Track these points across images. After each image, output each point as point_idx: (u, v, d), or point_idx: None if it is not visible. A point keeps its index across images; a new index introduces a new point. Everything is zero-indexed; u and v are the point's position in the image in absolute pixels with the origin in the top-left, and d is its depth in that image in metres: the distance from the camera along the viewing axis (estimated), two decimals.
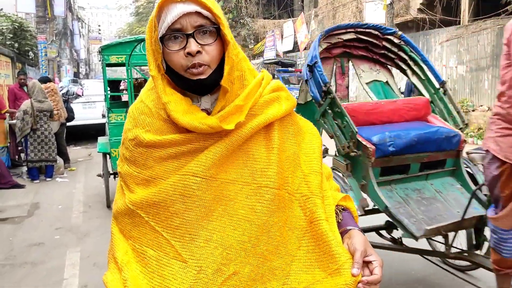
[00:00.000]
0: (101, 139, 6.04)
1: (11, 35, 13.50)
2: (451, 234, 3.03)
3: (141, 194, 1.06)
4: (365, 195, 2.83)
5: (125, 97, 7.83)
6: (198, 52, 1.00)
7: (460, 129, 3.03)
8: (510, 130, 2.25)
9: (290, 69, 17.12)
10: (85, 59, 51.05)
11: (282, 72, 16.34)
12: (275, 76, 14.97)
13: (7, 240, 4.65)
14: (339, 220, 1.13)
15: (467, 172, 3.01)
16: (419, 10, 13.04)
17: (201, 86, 1.04)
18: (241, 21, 22.35)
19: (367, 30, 3.44)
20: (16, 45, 13.68)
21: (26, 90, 7.92)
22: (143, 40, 5.19)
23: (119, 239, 1.11)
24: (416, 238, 2.54)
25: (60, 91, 8.93)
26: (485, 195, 2.77)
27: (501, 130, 2.30)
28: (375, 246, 2.77)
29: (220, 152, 1.03)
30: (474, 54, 10.99)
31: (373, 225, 3.28)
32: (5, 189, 6.67)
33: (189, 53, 0.99)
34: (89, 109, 11.96)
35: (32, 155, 7.13)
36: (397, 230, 2.83)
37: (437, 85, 3.31)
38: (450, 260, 3.41)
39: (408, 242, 3.00)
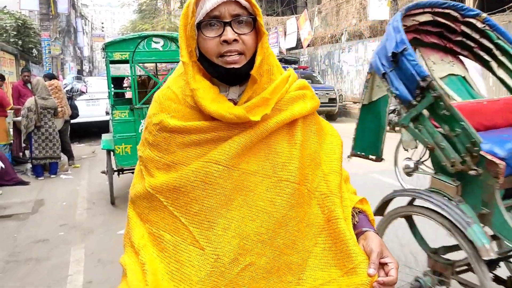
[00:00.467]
0: (105, 136, 6.05)
1: (15, 33, 13.54)
2: None
3: (161, 178, 1.07)
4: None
5: (128, 94, 7.85)
6: (235, 40, 1.00)
7: None
8: None
9: (293, 66, 17.10)
10: (89, 56, 51.11)
11: (285, 69, 16.31)
12: None
13: (11, 236, 4.67)
14: (355, 222, 1.13)
15: None
16: None
17: (233, 75, 1.04)
18: None
19: (446, 11, 2.79)
20: (20, 42, 13.72)
21: (30, 87, 7.94)
22: (146, 37, 5.18)
23: (135, 223, 1.12)
24: None
25: (64, 88, 8.94)
26: None
27: None
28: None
29: (244, 142, 1.04)
30: None
31: None
32: (10, 186, 6.69)
33: (225, 41, 0.99)
34: (93, 107, 11.99)
35: (37, 152, 7.15)
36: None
37: None
38: None
39: None
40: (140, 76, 6.75)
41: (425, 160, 2.75)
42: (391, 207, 2.65)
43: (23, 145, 8.29)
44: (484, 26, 2.80)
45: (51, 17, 16.06)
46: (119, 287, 1.08)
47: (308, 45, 17.99)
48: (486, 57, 2.81)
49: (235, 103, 1.07)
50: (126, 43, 5.16)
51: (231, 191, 1.03)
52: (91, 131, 11.69)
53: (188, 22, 1.03)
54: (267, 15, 22.65)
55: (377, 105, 2.67)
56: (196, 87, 1.03)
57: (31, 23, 15.14)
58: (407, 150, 3.04)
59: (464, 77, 2.96)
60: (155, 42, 5.21)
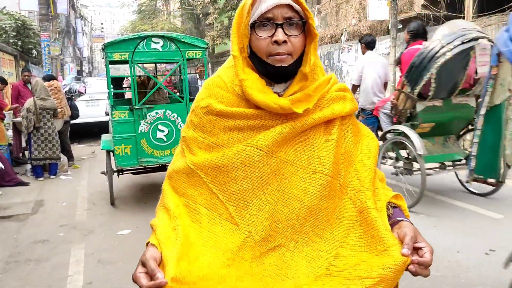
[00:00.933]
0: (104, 137, 6.05)
1: (14, 33, 13.52)
2: None
3: (203, 157, 1.14)
4: None
5: (128, 95, 7.84)
6: (284, 41, 1.07)
7: None
8: None
9: None
10: (88, 57, 51.09)
11: None
12: None
13: (11, 237, 4.67)
14: (390, 214, 1.15)
15: None
16: (423, 6, 12.97)
17: (279, 73, 1.11)
18: None
19: None
20: (19, 43, 13.71)
21: (30, 88, 7.94)
22: (146, 37, 5.18)
23: (170, 194, 1.18)
24: None
25: (64, 88, 8.93)
26: None
27: None
28: None
29: (284, 133, 1.10)
30: None
31: None
32: (10, 186, 6.69)
33: (275, 42, 1.07)
34: (93, 107, 11.99)
35: (36, 153, 7.15)
36: None
37: None
38: None
39: None
40: (139, 76, 6.75)
41: None
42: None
43: (23, 145, 8.29)
44: None
45: (50, 17, 16.04)
46: (149, 239, 1.11)
47: None
48: None
49: (280, 96, 1.14)
50: (126, 43, 5.15)
51: (268, 176, 1.09)
52: (91, 132, 11.69)
53: (242, 21, 1.10)
54: None
55: (497, 111, 2.29)
56: (245, 77, 1.11)
57: (30, 23, 15.12)
58: None
59: None
60: (155, 43, 5.20)
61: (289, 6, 1.07)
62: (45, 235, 4.68)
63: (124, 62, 5.47)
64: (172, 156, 5.26)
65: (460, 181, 5.70)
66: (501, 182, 2.69)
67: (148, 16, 34.04)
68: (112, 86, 5.76)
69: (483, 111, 2.50)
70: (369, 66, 5.91)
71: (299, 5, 1.08)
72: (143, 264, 1.02)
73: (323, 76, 1.20)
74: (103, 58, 5.32)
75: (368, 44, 6.13)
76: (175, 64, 6.48)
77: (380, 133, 5.58)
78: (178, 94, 6.76)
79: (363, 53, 6.19)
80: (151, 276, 0.98)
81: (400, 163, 5.30)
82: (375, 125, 5.77)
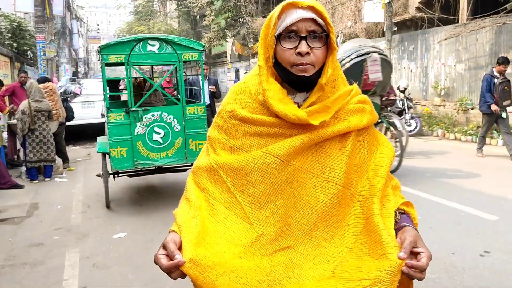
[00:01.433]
0: (100, 139, 6.03)
1: (10, 35, 13.46)
2: None
3: (225, 158, 1.22)
4: None
5: (124, 97, 7.82)
6: (307, 53, 1.14)
7: None
8: None
9: None
10: (84, 58, 50.93)
11: None
12: None
13: (6, 240, 4.65)
14: (397, 220, 1.19)
15: None
16: (418, 8, 13.03)
17: (302, 82, 1.17)
18: (240, 20, 22.31)
19: None
20: (15, 44, 13.64)
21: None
22: (142, 39, 5.17)
23: (193, 188, 1.27)
24: None
25: (59, 90, 8.90)
26: None
27: None
28: None
29: (301, 143, 1.16)
30: (472, 53, 10.99)
31: None
32: (5, 189, 6.66)
33: (299, 53, 1.13)
34: (88, 109, 11.94)
35: (31, 155, 7.12)
36: None
37: None
38: None
39: None
40: (135, 78, 6.73)
41: None
42: None
43: (18, 148, 8.25)
44: None
45: (46, 19, 16.00)
46: (172, 227, 1.19)
47: None
48: None
49: (299, 106, 1.20)
50: (122, 45, 5.14)
51: (283, 182, 1.16)
52: (87, 133, 11.65)
53: (268, 32, 1.17)
54: (263, 17, 22.68)
55: None
56: (267, 88, 1.18)
57: (26, 25, 15.05)
58: None
59: None
60: (151, 45, 5.20)
61: (313, 20, 1.14)
62: (40, 238, 4.66)
63: (120, 64, 5.46)
64: (168, 158, 5.30)
65: None
66: None
67: (145, 18, 33.98)
68: (108, 88, 5.75)
69: None
70: None
71: (323, 19, 1.15)
72: (164, 246, 1.11)
73: (344, 87, 1.24)
74: (99, 60, 5.31)
75: None
76: (171, 66, 6.47)
77: None
78: (178, 95, 6.72)
79: None
80: (170, 257, 1.08)
81: None
82: None
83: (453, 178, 6.49)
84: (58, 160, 7.94)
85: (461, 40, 11.24)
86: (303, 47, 1.13)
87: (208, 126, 2.30)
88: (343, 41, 15.95)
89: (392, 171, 3.01)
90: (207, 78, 8.07)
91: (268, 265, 1.11)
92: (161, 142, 5.28)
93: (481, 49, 10.72)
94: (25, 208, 5.82)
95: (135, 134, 5.17)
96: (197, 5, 23.92)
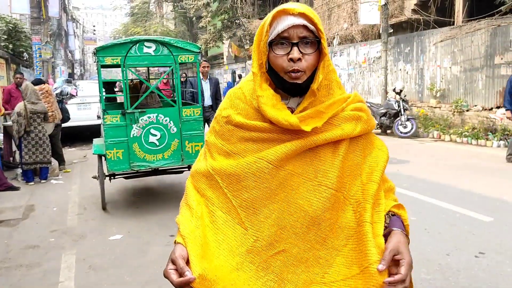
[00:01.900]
0: (96, 141, 6.02)
1: (6, 36, 13.42)
2: None
3: (221, 163, 1.25)
4: None
5: (120, 99, 7.81)
6: (299, 59, 1.16)
7: None
8: None
9: None
10: (80, 59, 50.81)
11: None
12: None
13: (2, 242, 4.63)
14: (386, 225, 1.21)
15: None
16: (413, 10, 13.10)
17: (294, 88, 1.20)
18: (236, 21, 22.34)
19: None
20: (11, 46, 13.61)
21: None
22: (138, 41, 5.18)
23: (193, 193, 1.30)
24: None
25: (54, 91, 8.88)
26: None
27: None
28: None
29: (294, 148, 1.18)
30: (468, 55, 11.05)
31: None
32: (0, 191, 6.63)
33: (291, 59, 1.16)
34: (84, 110, 11.92)
35: (27, 157, 7.10)
36: None
37: None
38: None
39: None
40: (132, 80, 6.73)
41: None
42: None
43: (14, 149, 8.22)
44: None
45: (42, 20, 15.97)
46: (176, 238, 1.23)
47: None
48: None
49: (293, 111, 1.22)
50: (118, 47, 5.14)
51: (276, 187, 1.19)
52: (83, 135, 11.62)
53: (261, 39, 1.19)
54: (260, 18, 22.71)
55: None
56: (261, 94, 1.20)
57: (22, 27, 15.02)
58: None
59: None
60: (147, 47, 5.20)
61: (304, 26, 1.16)
62: (36, 240, 4.65)
63: (116, 66, 5.46)
64: (164, 160, 5.30)
65: None
66: None
67: (141, 19, 33.97)
68: (104, 90, 5.74)
69: None
70: None
71: (314, 25, 1.16)
72: (173, 262, 1.16)
73: (341, 93, 1.26)
74: (95, 62, 5.30)
75: None
76: (167, 68, 6.47)
77: None
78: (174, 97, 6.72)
79: None
80: (180, 273, 1.13)
81: None
82: None
83: (448, 179, 6.52)
84: (54, 162, 7.92)
85: (457, 42, 11.31)
86: (295, 53, 1.15)
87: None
88: (339, 43, 16.01)
89: None
90: (208, 77, 7.95)
91: (263, 274, 1.15)
92: (157, 144, 5.28)
93: (476, 51, 10.78)
94: (21, 210, 5.80)
95: (131, 136, 5.16)
96: (193, 6, 23.94)
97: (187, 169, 5.70)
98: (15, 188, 6.85)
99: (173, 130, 5.32)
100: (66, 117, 8.74)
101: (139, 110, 5.21)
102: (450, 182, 6.34)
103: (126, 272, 3.75)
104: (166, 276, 1.15)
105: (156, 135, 5.25)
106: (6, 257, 4.21)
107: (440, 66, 11.96)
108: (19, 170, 7.58)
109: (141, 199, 6.16)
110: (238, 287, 1.13)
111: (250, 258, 1.16)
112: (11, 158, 8.50)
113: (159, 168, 5.52)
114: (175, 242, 1.22)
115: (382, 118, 11.37)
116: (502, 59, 10.10)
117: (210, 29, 24.26)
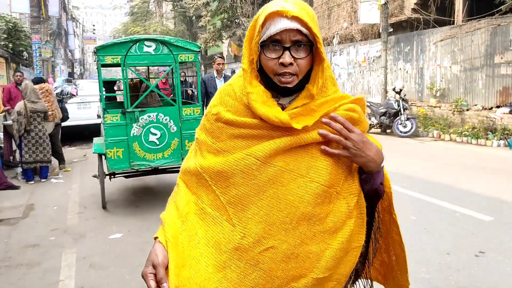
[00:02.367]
0: (96, 140, 6.02)
1: (5, 36, 13.42)
2: None
3: (209, 161, 1.23)
4: None
5: (120, 98, 7.81)
6: (291, 64, 1.13)
7: None
8: None
9: None
10: (80, 59, 50.80)
11: None
12: None
13: (2, 241, 4.63)
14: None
15: None
16: (413, 10, 13.09)
17: (285, 91, 1.19)
18: (236, 21, 22.32)
19: None
20: (11, 45, 13.60)
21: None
22: (138, 40, 5.18)
23: (184, 191, 1.30)
24: None
25: (54, 91, 8.88)
26: None
27: None
28: None
29: (282, 145, 1.17)
30: (468, 54, 11.05)
31: None
32: (0, 190, 6.63)
33: (282, 63, 1.13)
34: (84, 110, 11.92)
35: (27, 156, 7.10)
36: None
37: None
38: None
39: None
40: (132, 79, 6.73)
41: None
42: None
43: (14, 148, 8.22)
44: None
45: (42, 20, 15.97)
46: (157, 233, 1.23)
47: None
48: None
49: (283, 108, 1.20)
50: (118, 46, 5.14)
51: (265, 183, 1.16)
52: (83, 134, 11.62)
53: (253, 37, 1.17)
54: None
55: None
56: (251, 91, 1.18)
57: (22, 26, 15.01)
58: None
59: None
60: (147, 46, 5.20)
61: (297, 30, 1.12)
62: (36, 239, 4.65)
63: (117, 65, 5.46)
64: (164, 159, 5.30)
65: None
66: None
67: (141, 18, 33.93)
68: (104, 89, 5.74)
69: None
70: None
71: (308, 29, 1.13)
72: (154, 266, 1.15)
73: (335, 90, 1.24)
74: (95, 61, 5.31)
75: None
76: (167, 67, 6.47)
77: None
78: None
79: None
80: (158, 282, 1.13)
81: None
82: None
83: (448, 179, 6.52)
84: (54, 161, 7.92)
85: (457, 42, 11.31)
86: (287, 57, 1.13)
87: None
88: (339, 42, 16.01)
89: None
90: (222, 75, 7.52)
91: (251, 271, 1.13)
92: (157, 143, 5.28)
93: (476, 50, 10.78)
94: (21, 209, 5.81)
95: (131, 135, 5.17)
96: (193, 6, 23.91)
97: None
98: (15, 187, 6.86)
99: (173, 129, 5.32)
100: (65, 116, 8.74)
101: (139, 109, 5.22)
102: (450, 182, 6.34)
103: (127, 271, 3.75)
104: (144, 277, 1.14)
105: (156, 134, 5.26)
106: (6, 256, 4.22)
107: (440, 65, 11.96)
108: (19, 169, 7.58)
109: (141, 198, 6.17)
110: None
111: (238, 255, 1.14)
112: (11, 157, 8.51)
113: (159, 167, 5.53)
114: (155, 238, 1.22)
115: (382, 117, 11.37)
116: (502, 58, 10.10)
117: (209, 29, 24.23)
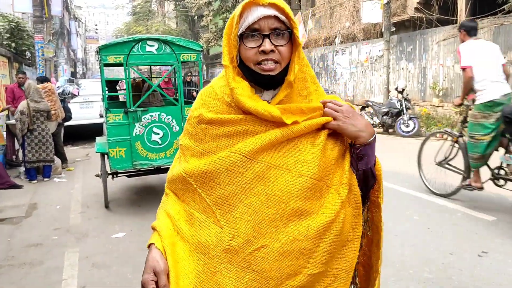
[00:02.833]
0: (99, 139, 6.04)
1: (8, 35, 13.43)
2: None
3: (193, 164, 1.20)
4: None
5: (123, 97, 7.82)
6: (271, 51, 1.13)
7: None
8: None
9: None
10: (82, 58, 50.89)
11: None
12: None
13: (5, 240, 4.65)
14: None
15: None
16: (416, 9, 13.06)
17: (269, 81, 1.17)
18: None
19: None
20: (13, 45, 13.62)
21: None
22: (141, 40, 5.18)
23: (172, 199, 1.28)
24: None
25: (57, 90, 8.90)
26: None
27: None
28: None
29: (269, 139, 1.14)
30: None
31: None
32: (3, 189, 6.66)
33: (263, 51, 1.12)
34: (87, 109, 11.95)
35: (30, 155, 7.12)
36: None
37: None
38: None
39: None
40: (134, 79, 6.73)
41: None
42: None
43: (16, 148, 8.24)
44: None
45: (44, 19, 16.00)
46: (153, 239, 1.20)
47: (303, 48, 18.03)
48: None
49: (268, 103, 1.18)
50: (120, 46, 5.15)
51: (251, 180, 1.13)
52: (85, 134, 11.65)
53: (231, 32, 1.15)
54: None
55: None
56: (236, 86, 1.16)
57: (24, 25, 15.02)
58: None
59: None
60: (150, 45, 5.21)
61: (276, 17, 1.12)
62: (39, 238, 4.66)
63: (119, 64, 5.47)
64: (166, 158, 5.30)
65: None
66: None
67: (143, 18, 33.95)
68: (106, 88, 5.75)
69: None
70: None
71: (285, 15, 1.13)
72: (156, 274, 1.12)
73: (316, 88, 1.24)
74: (97, 61, 5.31)
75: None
76: (170, 66, 6.47)
77: None
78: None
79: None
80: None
81: None
82: None
83: (451, 178, 6.50)
84: (57, 161, 7.94)
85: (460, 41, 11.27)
86: (267, 45, 1.12)
87: None
88: (341, 42, 15.98)
89: None
90: None
91: (244, 274, 1.09)
92: (160, 142, 5.29)
93: None
94: (24, 208, 5.82)
95: (134, 134, 5.17)
96: (195, 5, 23.93)
97: None
98: (18, 186, 6.88)
99: (175, 128, 5.33)
100: (68, 116, 8.77)
101: (142, 108, 5.22)
102: (453, 181, 6.32)
103: (129, 270, 3.76)
104: (144, 284, 1.11)
105: (158, 134, 5.26)
106: (9, 255, 4.23)
107: (442, 64, 11.93)
108: (22, 168, 7.60)
109: (144, 197, 6.17)
110: None
111: (228, 258, 1.10)
112: (14, 156, 8.53)
113: (162, 167, 5.53)
114: (149, 246, 1.19)
115: (384, 117, 11.34)
116: (505, 58, 10.07)
117: (211, 28, 24.25)
